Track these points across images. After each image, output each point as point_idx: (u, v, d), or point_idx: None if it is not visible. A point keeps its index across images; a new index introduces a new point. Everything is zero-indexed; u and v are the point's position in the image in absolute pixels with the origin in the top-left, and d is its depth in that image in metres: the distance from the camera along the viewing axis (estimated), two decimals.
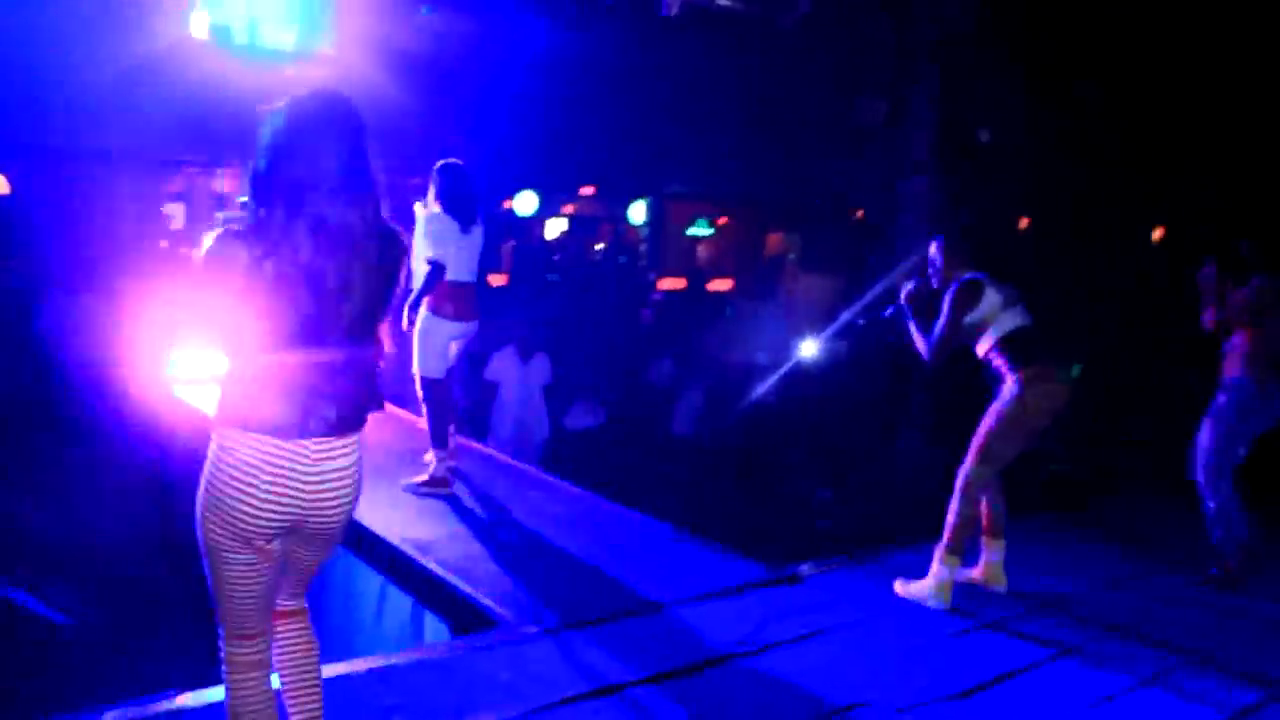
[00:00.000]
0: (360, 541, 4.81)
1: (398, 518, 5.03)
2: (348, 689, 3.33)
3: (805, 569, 4.82)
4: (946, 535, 4.43)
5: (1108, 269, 10.70)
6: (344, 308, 2.29)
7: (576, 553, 4.84)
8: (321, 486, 2.32)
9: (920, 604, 4.47)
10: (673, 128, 14.40)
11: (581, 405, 9.30)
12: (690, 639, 3.99)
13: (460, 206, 5.31)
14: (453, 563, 4.50)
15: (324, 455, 2.32)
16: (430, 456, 5.55)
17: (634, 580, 4.54)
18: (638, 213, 17.93)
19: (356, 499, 2.44)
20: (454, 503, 5.41)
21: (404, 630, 4.56)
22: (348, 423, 2.36)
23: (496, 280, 13.56)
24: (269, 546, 2.34)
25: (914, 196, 9.07)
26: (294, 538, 2.40)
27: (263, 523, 2.28)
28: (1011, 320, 4.38)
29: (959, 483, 4.43)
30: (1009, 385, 4.35)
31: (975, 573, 4.68)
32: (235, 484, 2.25)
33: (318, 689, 2.59)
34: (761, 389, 10.67)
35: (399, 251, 2.42)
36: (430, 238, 5.19)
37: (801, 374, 10.23)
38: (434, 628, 4.44)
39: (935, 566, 4.46)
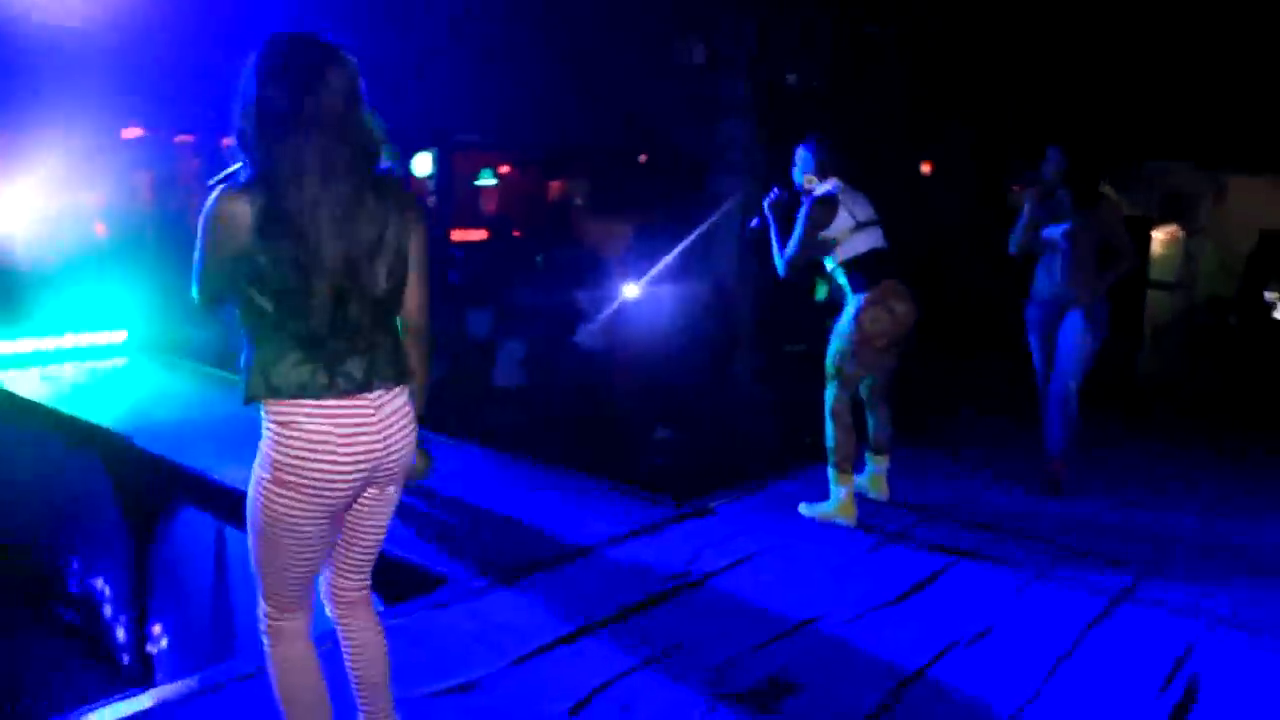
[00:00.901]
0: None
1: None
2: None
3: (714, 502, 4.96)
4: (832, 458, 4.66)
5: (907, 204, 11.42)
6: (357, 256, 2.15)
7: (485, 505, 4.79)
8: (390, 430, 2.23)
9: (828, 523, 4.71)
10: (464, 72, 14.06)
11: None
12: (632, 576, 4.05)
13: None
14: None
15: (386, 400, 2.23)
16: None
17: (554, 527, 4.55)
18: (422, 165, 17.48)
19: (414, 437, 2.34)
20: None
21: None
22: (396, 375, 2.26)
23: None
24: (339, 510, 2.26)
25: (730, 139, 9.31)
26: (362, 496, 2.32)
27: (345, 483, 2.18)
28: (864, 242, 4.50)
29: (826, 409, 4.64)
30: (850, 307, 4.53)
31: (860, 479, 4.96)
32: (311, 454, 2.13)
33: (388, 685, 2.50)
34: (586, 334, 10.76)
35: (407, 199, 2.28)
36: None
37: (626, 317, 10.39)
38: None
39: (832, 488, 4.70)
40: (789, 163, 4.73)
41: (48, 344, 7.55)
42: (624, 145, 15.30)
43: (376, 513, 2.38)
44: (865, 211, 4.56)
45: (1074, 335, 5.10)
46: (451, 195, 17.96)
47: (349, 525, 2.37)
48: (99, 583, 5.85)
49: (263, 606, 2.33)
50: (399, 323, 2.32)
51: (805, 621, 3.71)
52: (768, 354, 9.48)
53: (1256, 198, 14.03)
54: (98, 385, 7.21)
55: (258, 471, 2.20)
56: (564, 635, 3.50)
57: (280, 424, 2.14)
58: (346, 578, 2.44)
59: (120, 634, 5.73)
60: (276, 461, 2.14)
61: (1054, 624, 3.80)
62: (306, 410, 2.13)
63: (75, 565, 5.99)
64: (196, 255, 2.14)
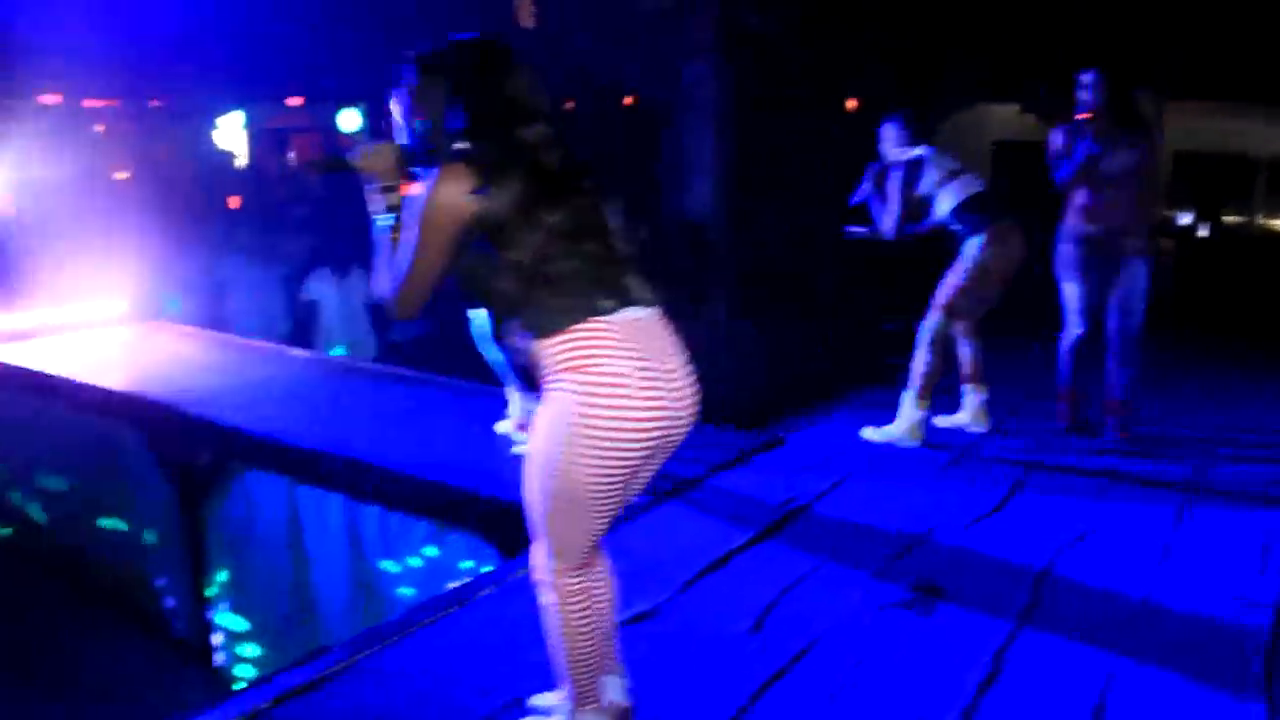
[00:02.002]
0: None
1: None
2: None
3: (781, 432, 5.13)
4: (918, 382, 4.89)
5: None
6: (593, 205, 2.23)
7: None
8: (681, 369, 2.21)
9: (895, 444, 4.92)
10: (391, 19, 13.70)
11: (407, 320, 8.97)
12: (745, 505, 4.20)
13: None
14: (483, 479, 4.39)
15: (667, 332, 2.22)
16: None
17: None
18: (349, 120, 17.06)
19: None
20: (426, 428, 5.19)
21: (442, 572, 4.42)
22: (651, 291, 2.23)
23: (233, 202, 12.56)
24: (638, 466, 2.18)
25: (697, 83, 9.38)
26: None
27: (647, 432, 2.11)
28: (960, 189, 4.82)
29: (924, 338, 4.88)
30: (969, 246, 4.81)
31: (962, 415, 5.19)
32: (610, 410, 2.07)
33: (615, 627, 2.49)
34: None
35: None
36: None
37: None
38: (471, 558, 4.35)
39: (907, 410, 4.92)
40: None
41: (45, 318, 7.27)
42: (572, 95, 15.16)
43: (647, 473, 2.28)
44: (952, 164, 4.89)
45: (1140, 274, 4.80)
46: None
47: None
48: (155, 560, 5.73)
49: (550, 564, 2.28)
50: None
51: (923, 534, 3.92)
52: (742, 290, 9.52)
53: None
54: (109, 356, 6.99)
55: (550, 432, 2.14)
56: (713, 561, 3.63)
57: (576, 388, 2.10)
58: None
59: (180, 612, 5.65)
60: (573, 413, 2.09)
61: (1142, 522, 4.08)
62: (587, 344, 2.10)
63: (127, 546, 5.85)
64: (415, 253, 2.15)
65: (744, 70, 9.46)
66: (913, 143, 4.95)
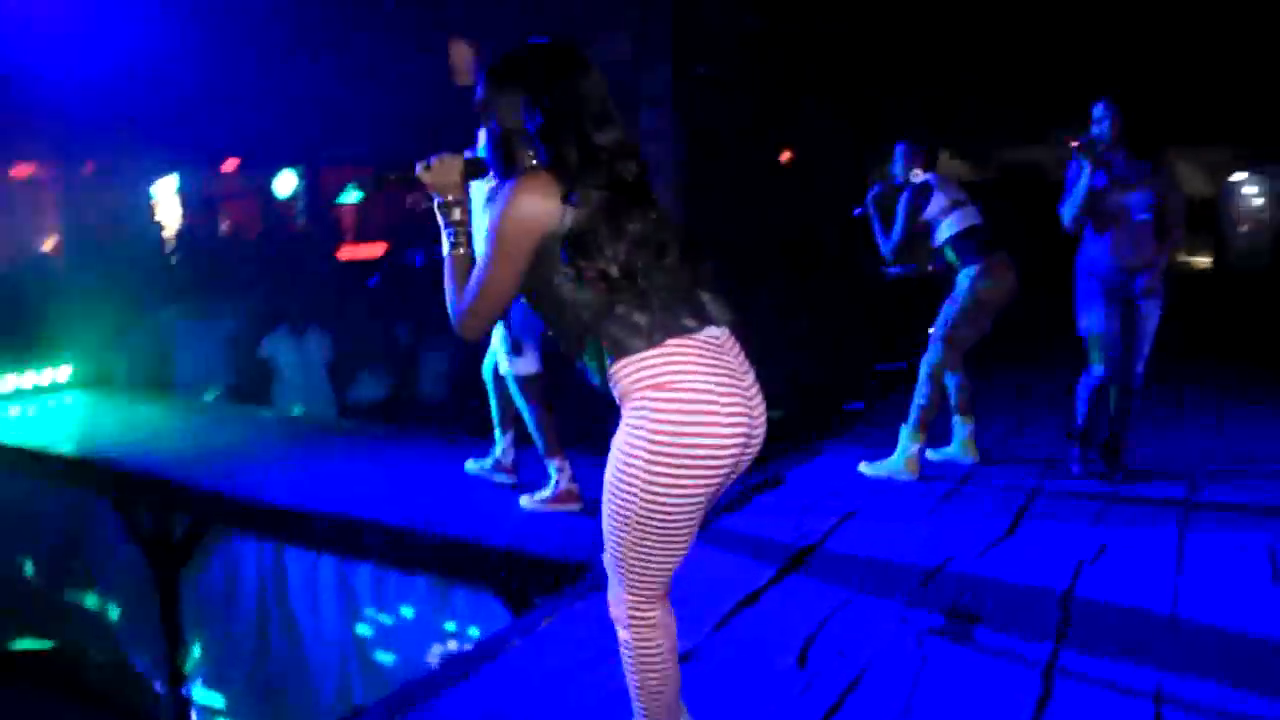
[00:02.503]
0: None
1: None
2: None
3: (780, 470, 5.09)
4: (917, 417, 4.92)
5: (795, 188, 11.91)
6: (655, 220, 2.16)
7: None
8: (753, 391, 2.15)
9: (892, 479, 4.91)
10: (331, 83, 13.62)
11: (366, 377, 8.82)
12: (755, 546, 4.13)
13: None
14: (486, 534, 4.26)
15: (734, 353, 2.13)
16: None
17: None
18: (285, 183, 16.86)
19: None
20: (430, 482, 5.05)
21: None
22: (721, 309, 2.17)
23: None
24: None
25: (652, 130, 9.44)
26: None
27: (729, 451, 2.06)
28: (962, 220, 4.90)
29: (925, 371, 4.91)
30: (963, 277, 4.86)
31: (952, 448, 5.20)
32: (696, 427, 2.01)
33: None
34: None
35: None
36: None
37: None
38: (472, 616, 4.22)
39: (906, 444, 4.93)
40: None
41: None
42: None
43: (711, 501, 2.20)
44: (957, 194, 4.97)
45: (1151, 315, 4.66)
46: (322, 214, 17.44)
47: None
48: (126, 634, 5.46)
49: (626, 600, 2.20)
50: None
51: (941, 564, 3.89)
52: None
53: None
54: (61, 423, 6.70)
55: (629, 455, 2.06)
56: (741, 600, 3.57)
57: (652, 412, 2.03)
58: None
59: (158, 688, 5.38)
60: (655, 433, 2.02)
61: (1149, 538, 4.12)
62: (671, 362, 2.04)
63: (96, 620, 5.57)
64: (489, 268, 2.09)
65: (691, 116, 9.57)
66: (923, 167, 5.03)
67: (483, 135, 2.27)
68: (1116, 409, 4.81)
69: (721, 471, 2.08)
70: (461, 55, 4.76)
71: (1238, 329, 9.43)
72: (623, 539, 2.14)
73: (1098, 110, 4.62)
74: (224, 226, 16.86)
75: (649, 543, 2.12)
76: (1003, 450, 5.49)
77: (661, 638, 2.24)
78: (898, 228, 4.99)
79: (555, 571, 3.98)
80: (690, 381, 2.03)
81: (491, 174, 2.22)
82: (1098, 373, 4.76)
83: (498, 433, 4.78)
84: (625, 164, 2.12)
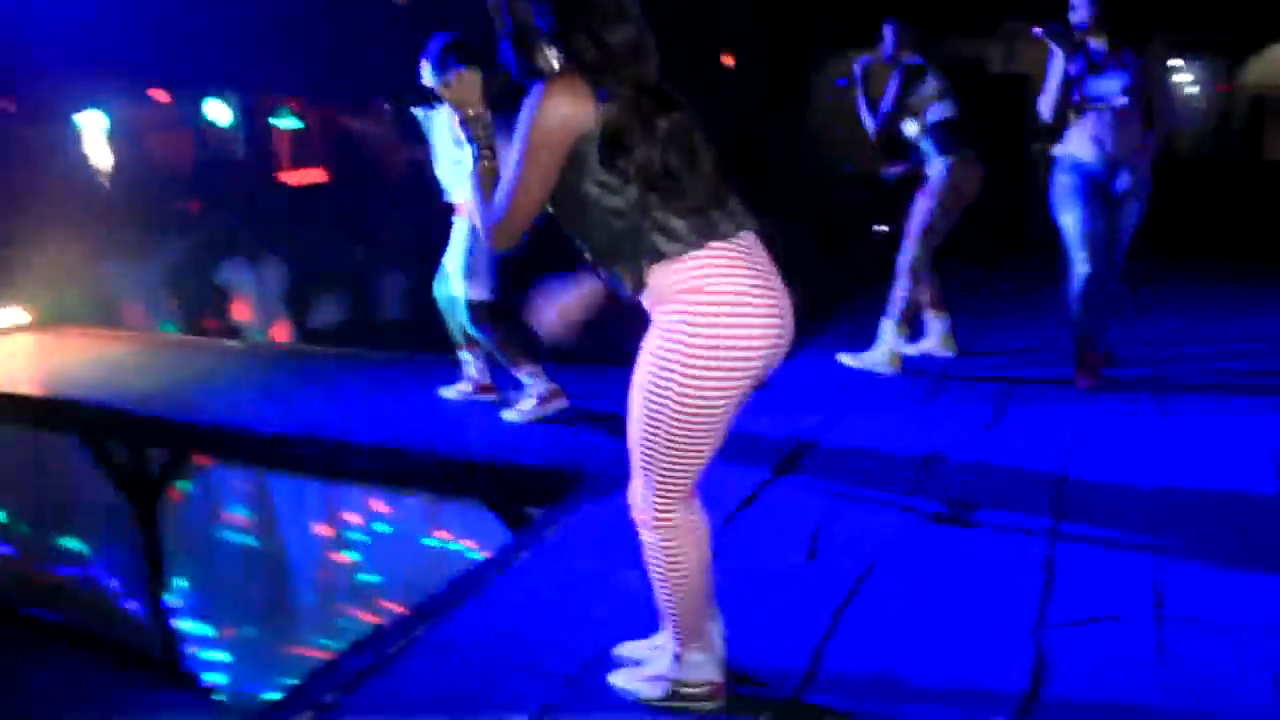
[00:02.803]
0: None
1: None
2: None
3: None
4: (899, 311, 4.95)
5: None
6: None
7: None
8: (781, 287, 2.13)
9: (874, 372, 4.96)
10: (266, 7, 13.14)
11: (325, 303, 8.69)
12: (753, 440, 4.11)
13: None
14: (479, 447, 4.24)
15: (764, 256, 2.12)
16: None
17: None
18: (219, 112, 16.33)
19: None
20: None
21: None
22: (747, 216, 2.15)
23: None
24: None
25: None
26: None
27: (769, 350, 2.08)
28: (943, 109, 4.87)
29: (904, 266, 4.92)
30: (937, 169, 4.85)
31: (929, 343, 5.24)
32: (732, 328, 2.02)
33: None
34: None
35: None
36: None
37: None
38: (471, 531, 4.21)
39: (888, 338, 4.98)
40: None
41: None
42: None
43: (740, 404, 2.20)
44: (943, 82, 4.89)
45: (1131, 210, 4.48)
46: (260, 141, 16.96)
47: None
48: (108, 573, 5.39)
49: (654, 502, 2.20)
50: None
51: (931, 455, 3.96)
52: None
53: None
54: (24, 366, 6.50)
55: (666, 358, 2.05)
56: (744, 499, 3.59)
57: (690, 290, 2.03)
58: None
59: (144, 624, 5.33)
60: (693, 336, 2.01)
61: (1130, 421, 4.21)
62: (708, 266, 2.03)
63: (74, 563, 5.49)
64: (520, 176, 2.04)
65: None
66: (913, 48, 4.92)
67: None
68: (1104, 310, 4.65)
69: (754, 371, 2.09)
70: None
71: (1188, 219, 9.58)
72: (655, 441, 2.13)
73: None
74: (157, 157, 16.36)
75: (680, 444, 2.12)
76: (974, 344, 5.55)
77: (685, 539, 2.24)
78: (888, 103, 4.88)
79: (546, 481, 3.98)
80: (728, 284, 2.03)
81: (513, 75, 2.15)
82: (1083, 272, 4.49)
83: (464, 354, 4.73)
84: (644, 64, 2.07)
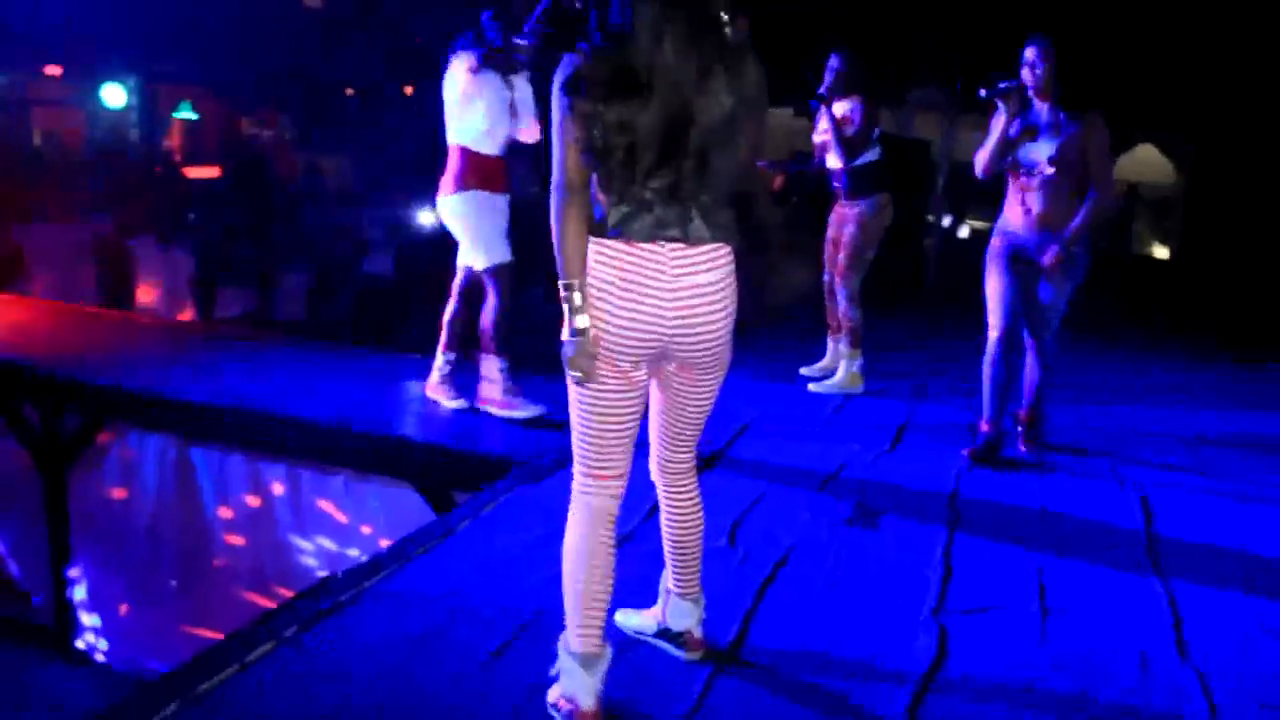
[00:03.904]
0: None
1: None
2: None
3: None
4: (851, 337, 5.38)
5: None
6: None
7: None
8: (683, 303, 2.20)
9: (840, 393, 5.41)
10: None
11: (231, 293, 8.61)
12: None
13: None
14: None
15: (684, 268, 2.19)
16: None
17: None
18: (114, 96, 15.94)
19: (725, 326, 2.29)
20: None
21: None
22: (708, 230, 2.21)
23: None
24: (633, 373, 2.25)
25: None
26: (666, 367, 2.33)
27: (623, 343, 2.20)
28: (876, 153, 5.27)
29: (846, 293, 5.32)
30: (865, 206, 5.25)
31: (829, 364, 5.62)
32: (594, 300, 2.18)
33: (698, 558, 2.59)
34: (376, 262, 10.59)
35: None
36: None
37: (419, 241, 10.32)
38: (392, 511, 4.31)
39: (846, 363, 5.43)
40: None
41: None
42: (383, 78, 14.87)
43: (692, 394, 2.38)
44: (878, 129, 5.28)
45: (1060, 289, 4.24)
46: (154, 131, 16.59)
47: (668, 401, 2.40)
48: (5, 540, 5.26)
49: (575, 467, 2.36)
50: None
51: (838, 469, 4.26)
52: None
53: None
54: None
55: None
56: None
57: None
58: (670, 449, 2.50)
59: (35, 600, 5.22)
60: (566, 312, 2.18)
61: (1017, 451, 4.60)
62: (599, 253, 2.18)
63: None
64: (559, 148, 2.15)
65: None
66: (853, 87, 5.18)
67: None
68: (1026, 376, 4.48)
69: (618, 359, 2.22)
70: None
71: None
72: (570, 406, 2.32)
73: (1029, 53, 4.16)
74: (44, 133, 15.89)
75: (580, 413, 2.30)
76: (887, 366, 5.98)
77: (579, 517, 2.34)
78: (861, 133, 5.14)
79: (477, 466, 4.14)
80: (601, 271, 2.19)
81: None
82: (992, 336, 4.32)
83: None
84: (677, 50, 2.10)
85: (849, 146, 5.15)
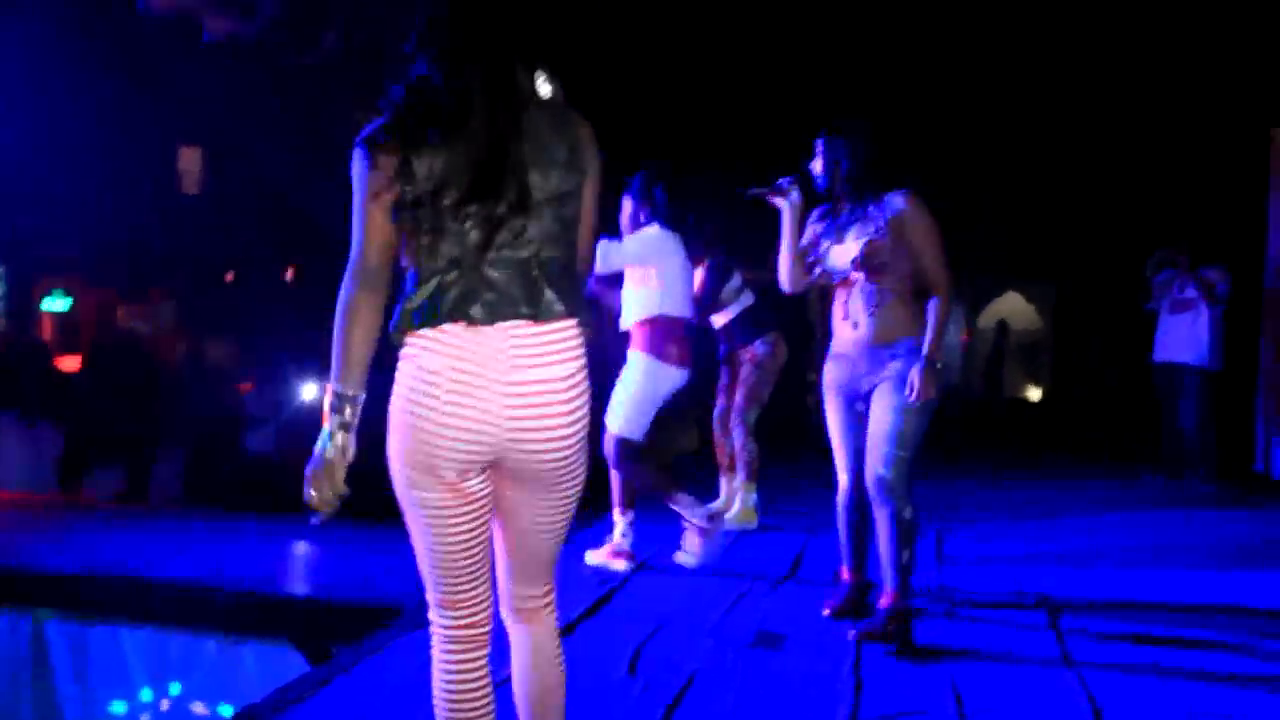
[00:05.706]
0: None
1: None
2: None
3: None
4: (746, 471, 5.36)
5: None
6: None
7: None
8: (519, 401, 1.86)
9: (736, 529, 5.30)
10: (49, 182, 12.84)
11: (100, 472, 8.19)
12: (568, 580, 4.20)
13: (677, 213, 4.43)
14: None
15: (520, 357, 1.86)
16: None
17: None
18: None
19: (578, 430, 1.94)
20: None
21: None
22: (546, 305, 1.89)
23: None
24: (463, 485, 1.89)
25: None
26: (504, 481, 1.95)
27: (446, 447, 1.84)
28: (748, 299, 5.42)
29: (744, 429, 5.34)
30: (757, 347, 5.35)
31: (723, 505, 5.56)
32: (413, 395, 1.85)
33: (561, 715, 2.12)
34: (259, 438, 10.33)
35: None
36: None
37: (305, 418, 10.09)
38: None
39: (743, 496, 5.39)
40: None
41: None
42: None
43: (540, 515, 2.01)
44: (742, 278, 5.44)
45: (894, 406, 3.42)
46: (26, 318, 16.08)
47: (508, 523, 2.02)
48: None
49: (428, 597, 2.03)
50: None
51: (740, 596, 4.16)
52: None
53: None
54: None
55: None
56: (561, 629, 3.59)
57: (403, 356, 1.89)
58: (519, 584, 2.08)
59: None
60: (392, 402, 1.89)
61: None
62: (424, 342, 1.87)
63: None
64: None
65: None
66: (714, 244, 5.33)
67: None
68: (853, 521, 3.77)
69: (439, 468, 1.87)
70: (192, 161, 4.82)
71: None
72: (409, 528, 2.00)
73: (825, 143, 3.58)
74: None
75: (417, 536, 1.97)
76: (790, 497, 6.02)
77: (454, 657, 2.00)
78: (705, 293, 5.23)
79: (359, 618, 3.90)
80: (425, 361, 1.86)
81: None
82: (841, 483, 3.72)
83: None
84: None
85: (706, 310, 5.30)
